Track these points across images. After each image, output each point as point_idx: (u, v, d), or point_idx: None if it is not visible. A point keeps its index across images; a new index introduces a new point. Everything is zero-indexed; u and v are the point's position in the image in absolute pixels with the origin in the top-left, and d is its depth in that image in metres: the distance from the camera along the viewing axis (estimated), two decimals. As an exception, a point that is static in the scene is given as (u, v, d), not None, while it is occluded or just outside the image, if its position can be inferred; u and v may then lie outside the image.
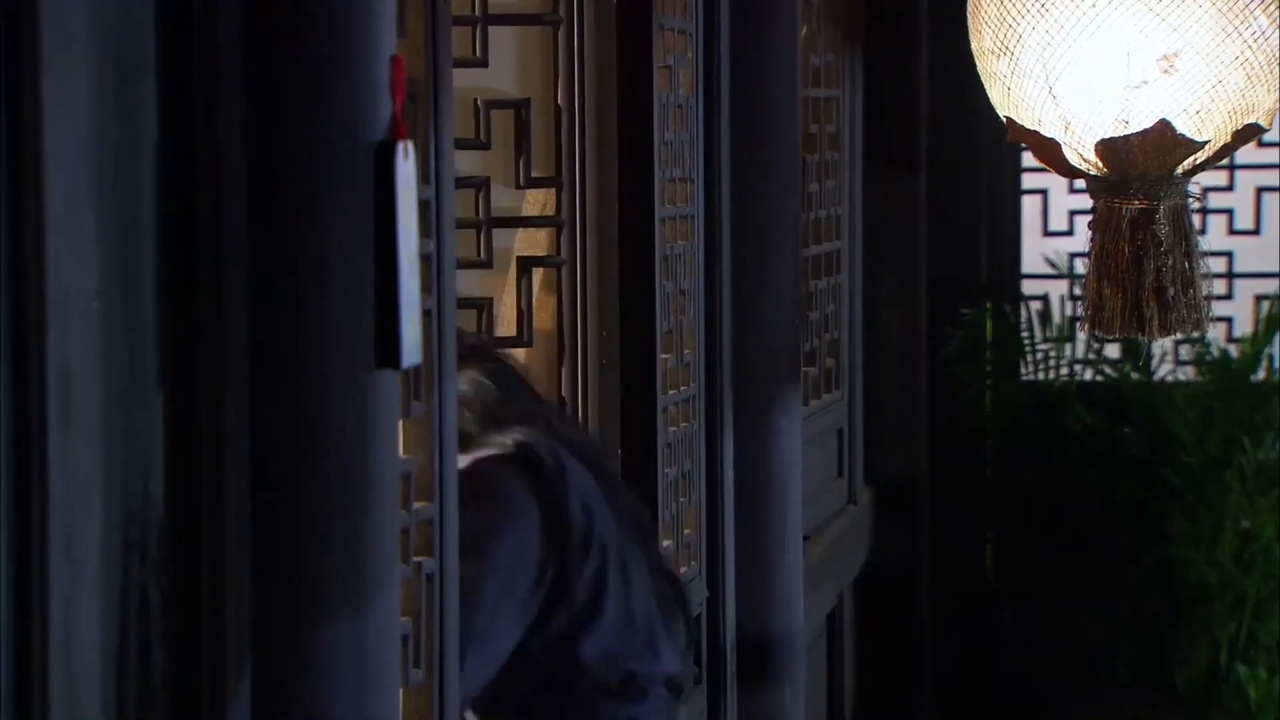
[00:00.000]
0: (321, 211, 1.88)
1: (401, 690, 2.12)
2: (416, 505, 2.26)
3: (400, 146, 1.91)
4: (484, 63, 3.10)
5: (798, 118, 4.01)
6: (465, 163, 3.07)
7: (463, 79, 3.02)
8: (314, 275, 1.88)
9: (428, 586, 2.28)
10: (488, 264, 3.11)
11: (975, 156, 5.60)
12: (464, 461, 2.29)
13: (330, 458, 1.88)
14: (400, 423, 2.10)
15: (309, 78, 1.88)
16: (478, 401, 2.41)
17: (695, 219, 3.58)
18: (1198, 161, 2.03)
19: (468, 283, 3.04)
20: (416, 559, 2.26)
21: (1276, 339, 5.39)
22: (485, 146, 3.10)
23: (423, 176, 2.22)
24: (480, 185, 3.12)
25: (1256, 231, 5.73)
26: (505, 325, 3.11)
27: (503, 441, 2.37)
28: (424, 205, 2.23)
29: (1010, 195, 5.76)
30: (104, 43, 1.71)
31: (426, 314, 2.24)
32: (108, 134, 1.72)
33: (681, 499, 3.51)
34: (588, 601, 2.34)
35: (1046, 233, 5.78)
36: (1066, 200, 5.67)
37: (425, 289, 2.21)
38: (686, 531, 3.55)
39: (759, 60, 3.76)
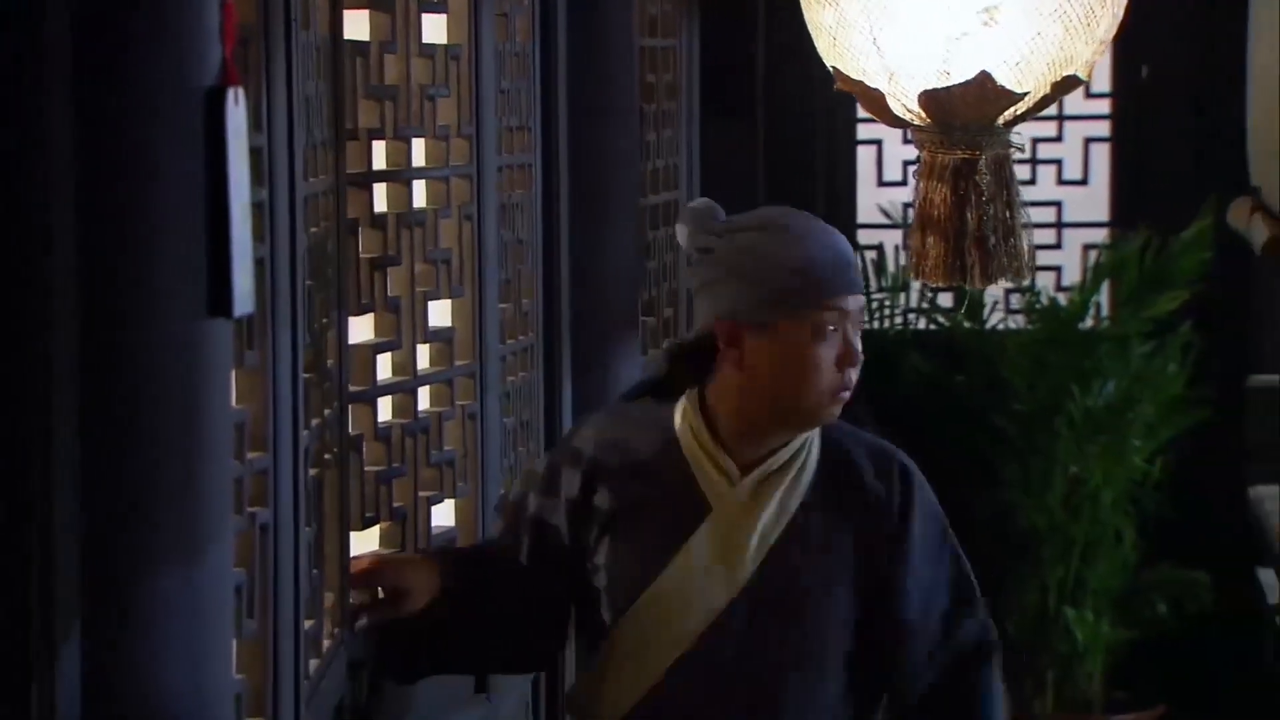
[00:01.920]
0: (151, 158, 1.86)
1: (235, 641, 2.11)
2: (251, 456, 2.25)
3: (231, 93, 1.90)
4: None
5: (635, 66, 4.02)
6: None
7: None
8: (143, 222, 1.86)
9: (262, 537, 2.27)
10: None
11: (811, 107, 5.64)
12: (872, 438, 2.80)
13: (160, 407, 1.86)
14: (233, 372, 2.08)
15: (137, 22, 1.85)
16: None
17: (533, 168, 3.58)
18: (1018, 112, 2.06)
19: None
20: (251, 509, 2.25)
21: (1104, 288, 5.49)
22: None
23: (255, 124, 2.20)
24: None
25: (1085, 182, 5.84)
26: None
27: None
28: (256, 153, 2.21)
29: (845, 146, 5.82)
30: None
31: (259, 262, 2.22)
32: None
33: (520, 448, 3.52)
34: None
35: (881, 183, 5.84)
36: (900, 151, 5.73)
37: (258, 237, 2.19)
38: (525, 480, 3.55)
39: (596, 9, 3.76)
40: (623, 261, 3.88)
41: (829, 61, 2.08)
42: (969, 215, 2.06)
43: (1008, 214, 2.06)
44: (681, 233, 2.72)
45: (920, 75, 2.02)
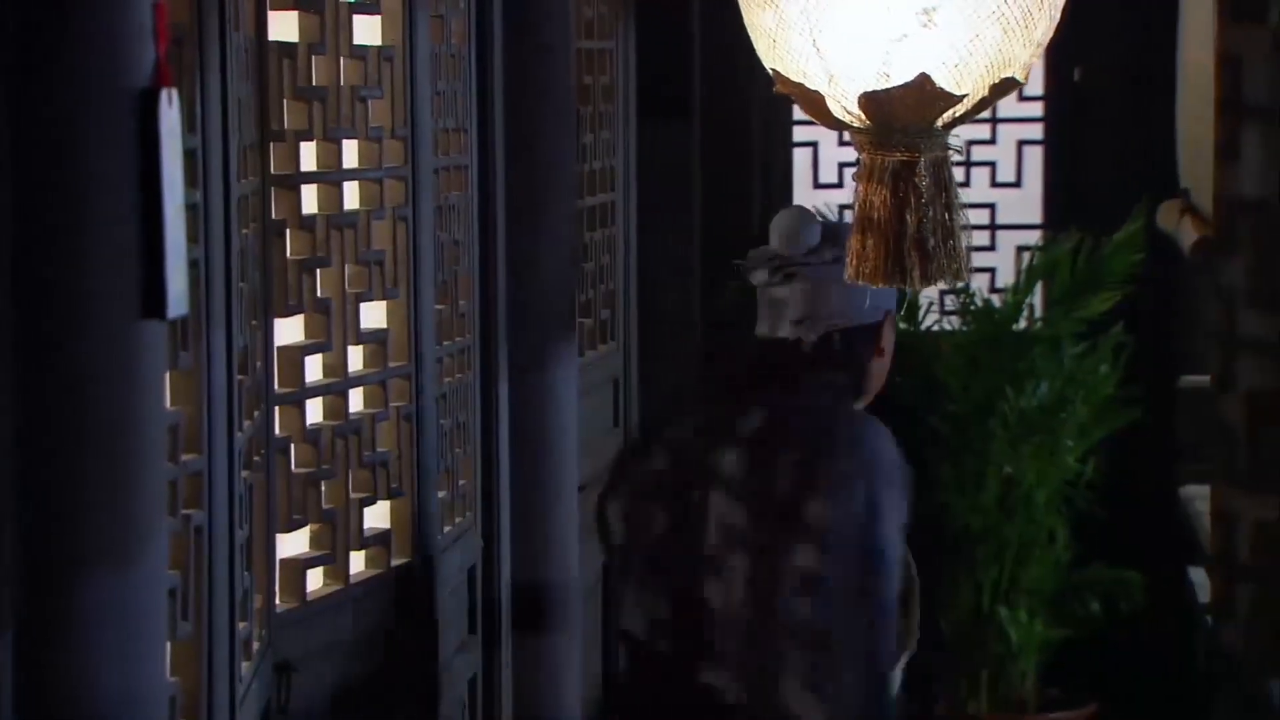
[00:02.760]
0: (83, 159, 1.85)
1: (170, 643, 2.10)
2: (185, 458, 2.24)
3: (164, 94, 1.89)
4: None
5: (572, 68, 4.02)
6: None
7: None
8: (76, 224, 1.85)
9: (196, 539, 2.26)
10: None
11: (747, 109, 5.65)
12: None
13: (94, 408, 1.85)
14: (167, 375, 2.07)
15: (70, 23, 1.84)
16: None
17: (469, 169, 3.57)
18: (957, 114, 2.07)
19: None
20: (185, 512, 2.24)
21: (1038, 289, 5.52)
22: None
23: (189, 125, 2.19)
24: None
25: (1018, 184, 5.86)
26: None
27: None
28: (190, 154, 2.20)
29: (782, 148, 5.83)
30: None
31: (194, 264, 2.22)
32: None
33: (457, 449, 3.51)
34: None
35: (817, 185, 5.86)
36: (836, 153, 5.75)
37: (192, 239, 2.18)
38: (462, 482, 3.55)
39: (532, 10, 3.76)
40: (559, 263, 3.88)
41: (769, 64, 2.08)
42: (908, 217, 2.06)
43: (947, 216, 2.07)
44: (793, 237, 2.89)
45: (860, 77, 2.02)
